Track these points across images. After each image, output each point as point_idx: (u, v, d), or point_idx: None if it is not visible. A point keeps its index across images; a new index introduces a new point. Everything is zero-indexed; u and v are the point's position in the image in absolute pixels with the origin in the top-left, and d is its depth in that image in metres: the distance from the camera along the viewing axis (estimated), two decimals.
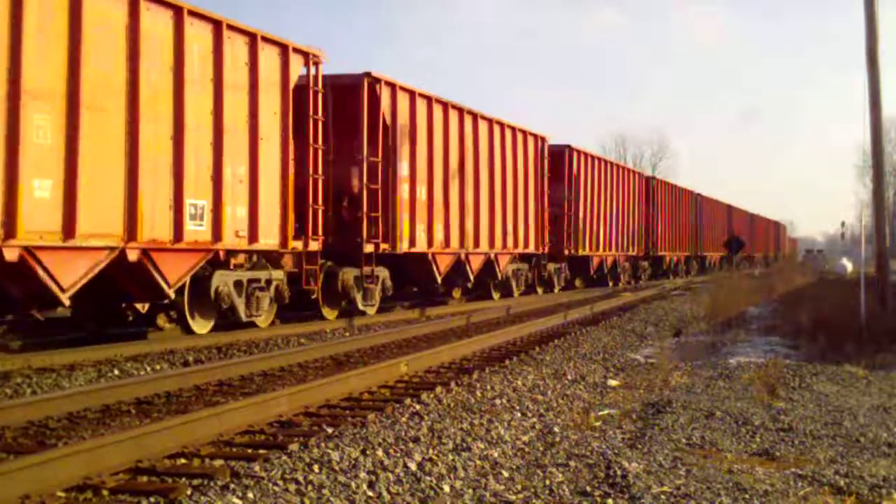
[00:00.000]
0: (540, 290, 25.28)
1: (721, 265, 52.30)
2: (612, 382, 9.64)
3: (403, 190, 16.97)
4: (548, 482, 5.40)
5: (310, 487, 5.03)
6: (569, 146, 26.79)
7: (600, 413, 7.77)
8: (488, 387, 8.64)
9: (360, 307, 16.33)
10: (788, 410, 7.83)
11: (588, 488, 5.27)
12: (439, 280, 18.61)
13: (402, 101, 16.90)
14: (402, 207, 16.82)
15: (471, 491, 5.20)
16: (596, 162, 29.41)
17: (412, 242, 17.21)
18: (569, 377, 9.67)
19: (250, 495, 4.83)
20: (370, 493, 5.03)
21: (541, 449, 6.32)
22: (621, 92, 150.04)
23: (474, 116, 20.08)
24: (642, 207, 34.75)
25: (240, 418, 6.61)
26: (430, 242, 17.91)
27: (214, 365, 9.62)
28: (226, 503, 4.71)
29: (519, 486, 5.35)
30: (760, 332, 15.17)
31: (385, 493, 5.05)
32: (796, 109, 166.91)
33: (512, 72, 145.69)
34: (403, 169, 16.95)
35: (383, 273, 16.97)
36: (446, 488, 5.21)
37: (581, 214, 27.30)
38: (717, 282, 26.89)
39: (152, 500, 4.84)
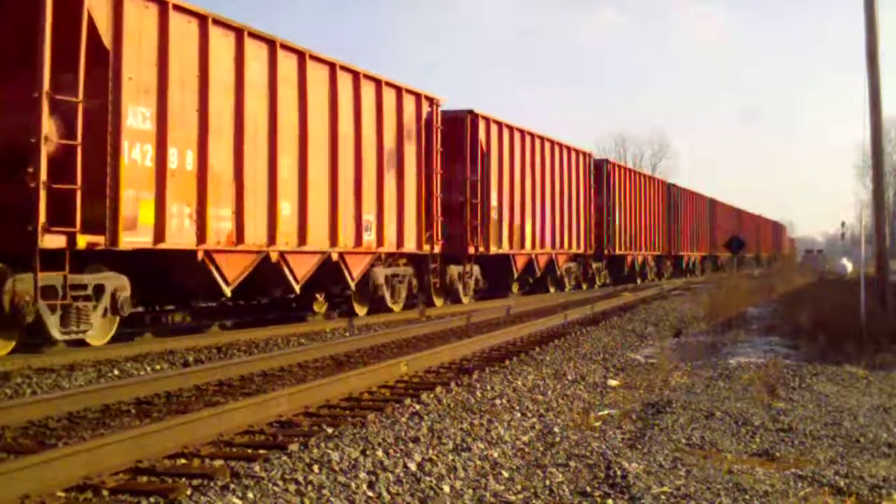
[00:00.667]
0: (439, 302, 19.79)
1: (703, 267, 48.73)
2: (612, 382, 9.64)
3: (141, 152, 11.17)
4: (548, 482, 5.40)
5: (310, 487, 5.03)
6: (471, 111, 20.43)
7: (600, 413, 7.77)
8: (488, 387, 8.64)
9: (57, 336, 10.51)
10: (788, 411, 7.83)
11: (588, 488, 5.28)
12: (228, 291, 12.76)
13: (140, 14, 11.15)
14: (132, 178, 10.98)
15: (471, 491, 5.20)
16: (517, 135, 22.89)
17: (159, 235, 11.45)
18: (569, 377, 9.67)
19: (250, 495, 4.82)
20: (370, 494, 5.03)
21: (541, 449, 6.32)
22: (621, 92, 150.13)
23: (300, 56, 14.12)
24: (593, 197, 29.10)
25: (240, 418, 6.61)
26: (201, 235, 12.03)
27: (214, 365, 9.63)
28: (226, 503, 4.71)
29: (519, 487, 5.35)
30: (760, 333, 15.17)
31: (385, 494, 5.05)
32: (796, 109, 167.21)
33: (512, 72, 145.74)
34: (140, 119, 11.14)
35: (115, 282, 11.35)
36: (446, 488, 5.21)
37: (495, 202, 21.48)
38: (715, 283, 26.82)
39: (152, 500, 4.84)
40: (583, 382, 9.44)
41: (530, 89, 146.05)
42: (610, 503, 5.03)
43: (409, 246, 17.74)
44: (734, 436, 6.85)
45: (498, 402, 7.96)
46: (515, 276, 23.45)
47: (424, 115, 18.19)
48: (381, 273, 17.09)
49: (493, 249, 21.45)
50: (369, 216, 16.17)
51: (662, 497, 5.09)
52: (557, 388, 8.98)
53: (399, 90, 17.22)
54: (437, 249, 18.73)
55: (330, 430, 6.50)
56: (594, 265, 30.25)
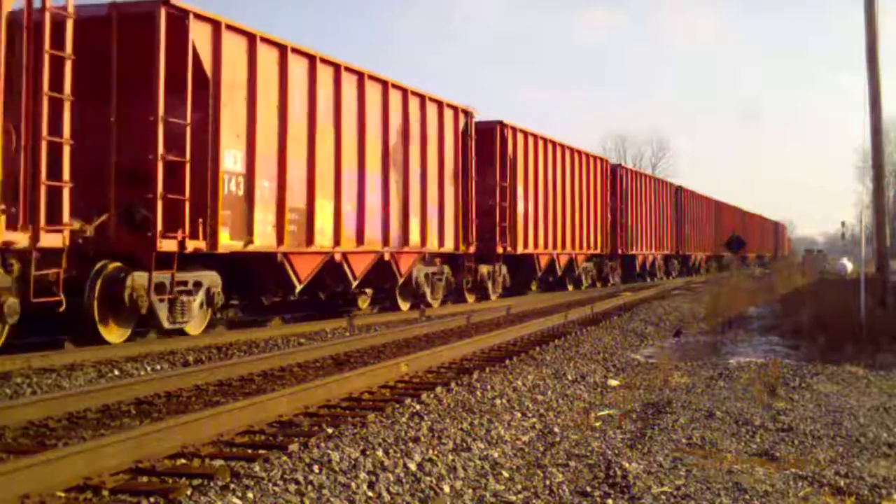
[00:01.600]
0: (109, 332, 11.57)
1: (668, 268, 40.93)
2: (613, 382, 9.64)
3: None
4: (548, 482, 5.40)
5: (310, 488, 5.03)
6: (178, 5, 11.72)
7: (600, 413, 7.78)
8: (488, 387, 8.64)
9: None
10: (788, 410, 7.83)
11: (588, 489, 5.28)
12: None
13: None
14: None
15: (471, 491, 5.20)
16: (322, 74, 14.61)
17: None
18: (569, 377, 9.68)
19: (250, 495, 4.82)
20: (370, 494, 5.03)
21: (541, 449, 6.32)
22: (621, 92, 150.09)
23: None
24: (475, 174, 20.59)
25: (240, 418, 6.61)
26: None
27: (214, 365, 9.63)
28: (226, 503, 4.71)
29: (519, 487, 5.35)
30: (760, 332, 15.19)
31: (385, 494, 5.05)
32: (796, 109, 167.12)
33: (512, 72, 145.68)
34: None
35: None
36: (446, 488, 5.21)
37: (233, 165, 12.79)
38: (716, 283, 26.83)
39: (152, 500, 4.83)
40: (583, 382, 9.44)
41: (530, 89, 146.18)
42: (610, 503, 5.03)
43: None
44: (734, 436, 6.85)
45: (498, 401, 7.96)
46: (298, 286, 14.58)
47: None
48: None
49: (226, 241, 12.71)
50: None
51: (662, 497, 5.09)
52: (557, 387, 8.98)
53: None
54: (64, 241, 10.35)
55: (330, 431, 6.49)
56: (483, 269, 21.68)
